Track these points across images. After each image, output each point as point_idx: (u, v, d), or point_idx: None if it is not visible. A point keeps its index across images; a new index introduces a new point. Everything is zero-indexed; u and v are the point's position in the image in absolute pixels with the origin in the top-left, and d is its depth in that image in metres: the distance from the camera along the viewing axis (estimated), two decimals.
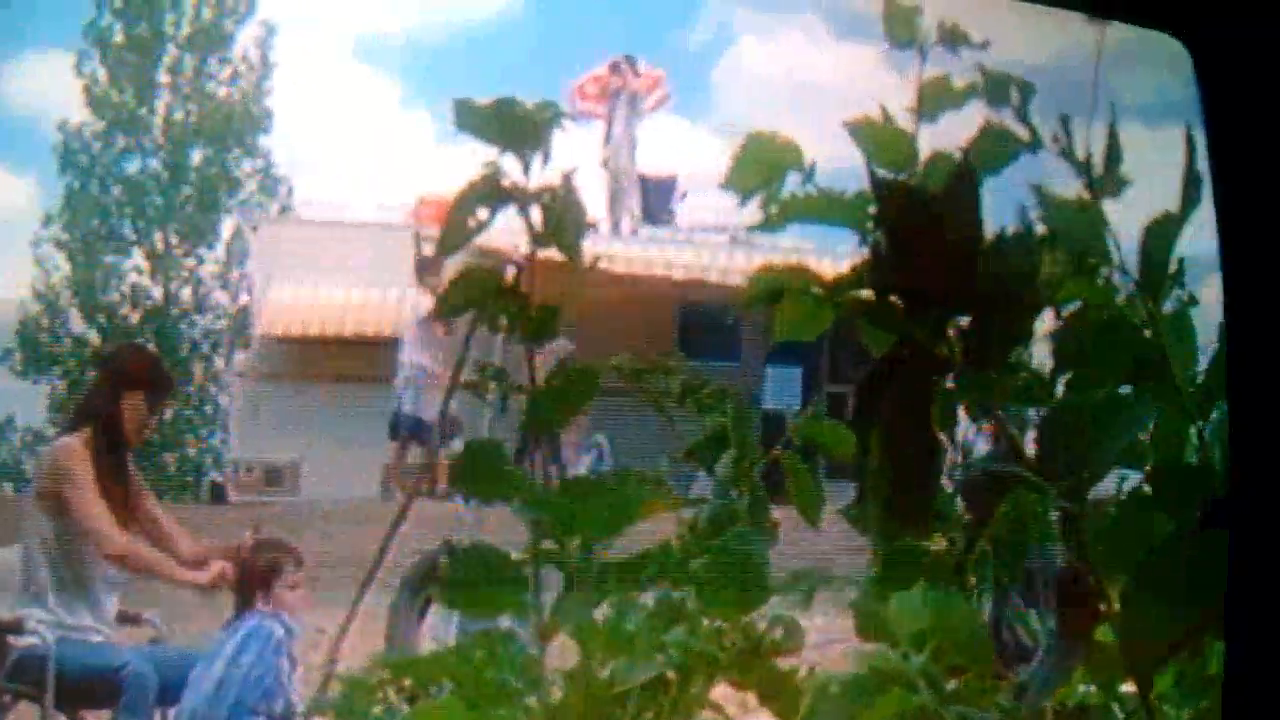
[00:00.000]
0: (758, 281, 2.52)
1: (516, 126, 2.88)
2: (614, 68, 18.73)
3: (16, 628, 6.84)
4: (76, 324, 21.50)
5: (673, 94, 21.26)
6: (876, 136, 2.41)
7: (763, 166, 2.51)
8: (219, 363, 22.88)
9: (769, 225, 2.51)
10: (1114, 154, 2.43)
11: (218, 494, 18.52)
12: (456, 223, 2.92)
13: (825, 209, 2.46)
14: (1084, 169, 2.42)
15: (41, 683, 6.73)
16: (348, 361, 18.72)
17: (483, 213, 2.95)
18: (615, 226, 15.60)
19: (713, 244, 18.52)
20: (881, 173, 2.32)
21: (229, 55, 22.63)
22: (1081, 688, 2.31)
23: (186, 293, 21.93)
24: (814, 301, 2.45)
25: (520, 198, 2.91)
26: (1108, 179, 2.42)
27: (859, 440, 2.10)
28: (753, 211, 2.49)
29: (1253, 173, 2.26)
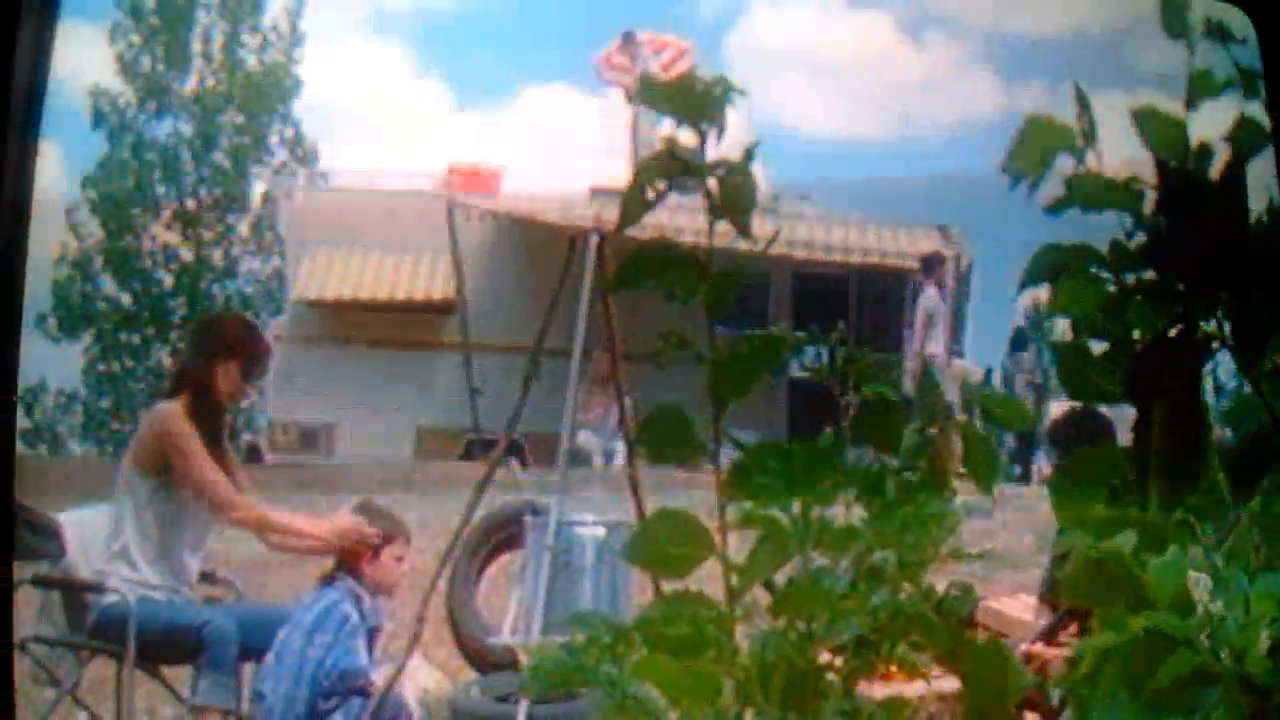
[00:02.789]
0: (1040, 257, 2.61)
1: (696, 101, 2.95)
2: (627, 38, 18.81)
3: (98, 586, 6.92)
4: (109, 288, 21.55)
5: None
6: (1155, 124, 2.51)
7: (1040, 149, 2.59)
8: None
9: (1056, 208, 2.59)
10: None
11: (253, 454, 18.62)
12: (637, 194, 2.99)
13: (1101, 192, 2.55)
14: None
15: (123, 640, 6.80)
16: (381, 327, 18.82)
17: (661, 185, 3.02)
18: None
19: None
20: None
21: (259, 24, 22.70)
22: None
23: (217, 256, 21.97)
24: (1090, 279, 2.54)
25: (700, 170, 2.99)
26: None
27: (1138, 414, 2.20)
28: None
29: None
